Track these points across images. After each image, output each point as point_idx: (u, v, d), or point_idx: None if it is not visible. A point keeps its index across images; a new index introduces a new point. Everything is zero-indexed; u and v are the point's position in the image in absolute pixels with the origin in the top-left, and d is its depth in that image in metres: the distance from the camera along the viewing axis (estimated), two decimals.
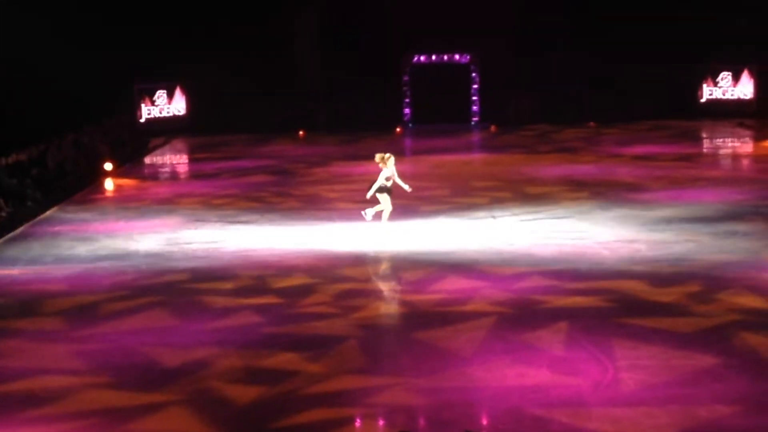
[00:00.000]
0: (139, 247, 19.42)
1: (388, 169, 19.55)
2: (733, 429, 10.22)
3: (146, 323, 14.45)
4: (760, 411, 10.56)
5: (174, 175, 31.95)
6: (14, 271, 17.96)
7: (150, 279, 16.91)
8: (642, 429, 10.23)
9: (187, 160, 34.87)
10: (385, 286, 16.69)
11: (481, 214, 21.42)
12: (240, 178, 27.94)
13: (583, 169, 27.68)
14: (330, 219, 21.43)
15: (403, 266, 17.16)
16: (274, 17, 39.74)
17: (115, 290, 16.20)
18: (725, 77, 38.89)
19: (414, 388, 11.46)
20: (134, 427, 10.75)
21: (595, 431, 10.21)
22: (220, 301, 15.36)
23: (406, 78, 40.46)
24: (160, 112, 39.61)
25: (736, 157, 31.64)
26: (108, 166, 29.15)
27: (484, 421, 10.80)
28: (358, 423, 10.79)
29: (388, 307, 15.11)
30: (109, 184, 28.12)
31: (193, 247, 19.28)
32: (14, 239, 20.63)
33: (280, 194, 24.97)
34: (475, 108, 40.46)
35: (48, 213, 23.37)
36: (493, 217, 18.83)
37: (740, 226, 19.33)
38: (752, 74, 38.42)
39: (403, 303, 15.06)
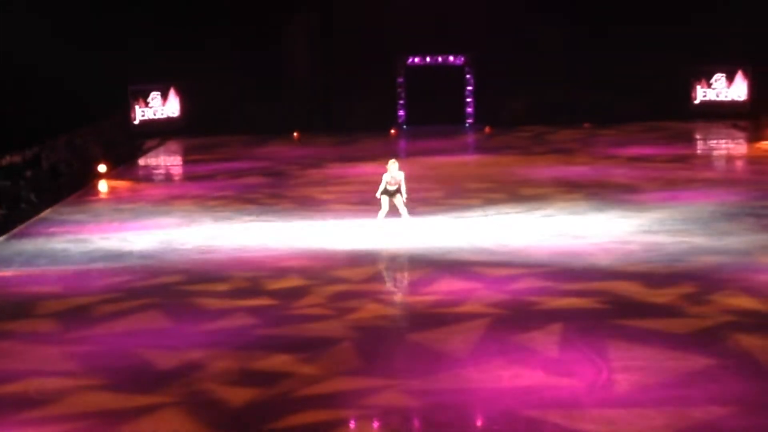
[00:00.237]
0: (133, 248, 19.40)
1: (388, 173, 19.63)
2: (728, 429, 10.23)
3: (140, 325, 14.43)
4: (755, 411, 10.57)
5: (168, 177, 31.91)
6: (8, 273, 17.94)
7: (144, 280, 16.89)
8: (636, 430, 10.24)
9: (181, 162, 34.82)
10: (389, 284, 16.74)
11: (475, 215, 21.43)
12: (234, 180, 27.91)
13: (578, 170, 27.68)
14: (324, 220, 21.41)
15: (398, 268, 17.15)
16: (268, 19, 39.70)
17: (109, 292, 16.18)
18: (719, 79, 38.91)
19: (408, 389, 11.46)
20: (128, 429, 10.74)
21: None
22: (215, 303, 15.34)
23: (400, 79, 40.45)
24: (154, 114, 39.54)
25: (730, 158, 31.66)
26: (102, 168, 29.09)
27: (479, 423, 10.81)
28: (352, 424, 10.79)
29: (384, 309, 15.07)
30: (103, 185, 28.07)
31: (188, 248, 19.26)
32: (8, 241, 20.60)
33: (274, 196, 24.95)
34: (469, 109, 40.43)
35: (42, 215, 23.33)
36: (486, 215, 18.83)
37: (734, 228, 19.34)
38: (746, 76, 38.43)
39: (398, 304, 15.04)
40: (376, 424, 10.77)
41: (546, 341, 12.96)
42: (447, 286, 15.86)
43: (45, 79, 31.58)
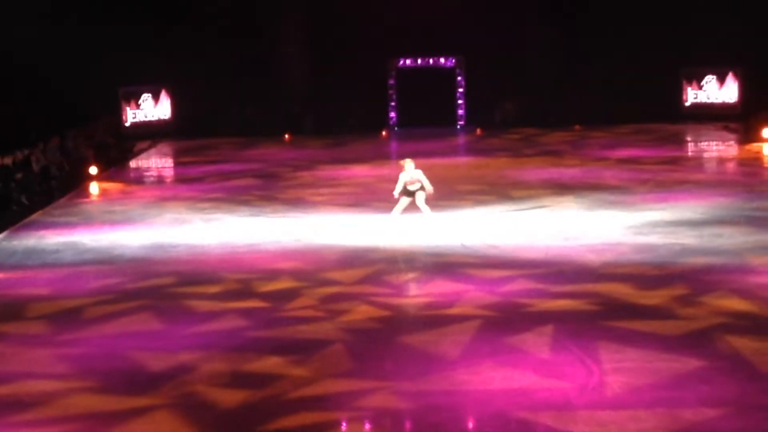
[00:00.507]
0: (124, 250, 19.38)
1: (405, 173, 19.93)
2: (719, 431, 10.24)
3: (131, 327, 14.41)
4: (746, 413, 10.58)
5: (159, 179, 31.87)
6: None
7: (135, 283, 16.86)
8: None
9: (172, 164, 34.80)
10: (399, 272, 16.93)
11: (466, 217, 21.44)
12: (225, 182, 27.90)
13: (569, 172, 27.71)
14: (316, 222, 21.41)
15: (387, 270, 17.14)
16: (259, 21, 39.71)
17: (100, 294, 16.16)
18: (710, 81, 38.97)
19: (400, 391, 11.45)
20: (119, 431, 10.74)
21: None
22: (206, 305, 15.33)
23: (391, 81, 40.47)
24: (146, 116, 39.51)
25: (721, 160, 31.71)
26: (93, 170, 29.05)
27: (470, 424, 10.81)
28: (344, 427, 10.79)
29: (376, 311, 15.05)
30: (94, 187, 28.03)
31: (179, 250, 19.25)
32: None
33: (265, 198, 24.94)
34: (460, 111, 40.49)
35: (33, 217, 23.30)
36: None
37: (725, 229, 19.36)
38: (737, 78, 38.49)
39: (389, 306, 15.03)
40: (367, 426, 10.77)
41: (537, 343, 12.97)
42: (438, 288, 15.87)
43: (35, 81, 31.52)
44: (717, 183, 25.57)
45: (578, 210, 21.96)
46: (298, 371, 12.23)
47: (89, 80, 34.50)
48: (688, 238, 18.75)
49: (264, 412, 11.05)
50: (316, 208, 23.25)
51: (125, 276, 17.33)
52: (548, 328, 13.52)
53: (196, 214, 22.95)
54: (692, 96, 39.28)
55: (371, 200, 23.59)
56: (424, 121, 39.06)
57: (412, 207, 20.16)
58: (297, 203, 23.93)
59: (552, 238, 19.17)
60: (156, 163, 34.78)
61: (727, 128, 36.14)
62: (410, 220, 20.33)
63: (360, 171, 28.92)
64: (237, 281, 16.68)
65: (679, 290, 15.24)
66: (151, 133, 38.39)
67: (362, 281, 16.57)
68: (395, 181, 20.42)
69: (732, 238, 18.69)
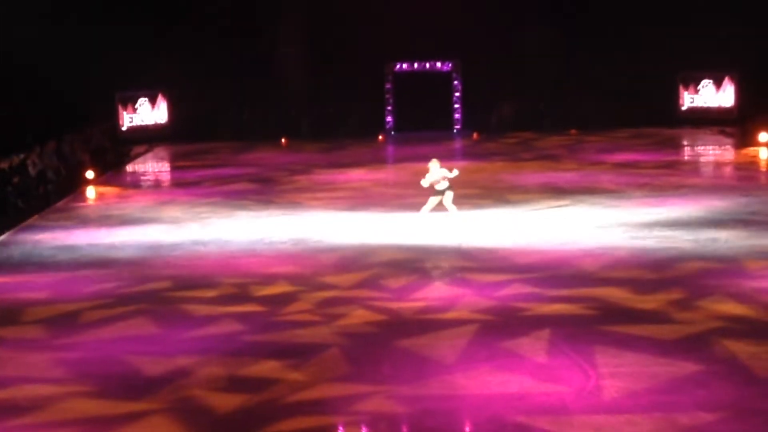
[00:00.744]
0: (120, 255, 19.37)
1: (431, 173, 20.59)
2: None
3: (128, 331, 14.40)
4: (743, 417, 10.58)
5: (156, 183, 31.86)
6: None
7: (132, 287, 16.86)
8: None
9: (169, 168, 34.79)
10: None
11: (464, 221, 21.45)
12: (222, 186, 27.89)
13: (565, 176, 27.72)
14: (312, 227, 21.41)
15: (386, 273, 17.14)
16: (256, 25, 39.70)
17: (97, 298, 16.15)
18: (706, 85, 38.99)
19: (396, 395, 11.45)
20: None
21: None
22: (203, 309, 15.32)
23: (388, 86, 40.48)
24: (142, 120, 39.49)
25: (717, 165, 31.73)
26: (89, 174, 29.05)
27: (467, 429, 10.81)
28: (340, 431, 10.79)
29: (372, 315, 15.05)
30: (90, 192, 28.03)
31: (175, 254, 19.24)
32: None
33: (262, 202, 24.93)
34: (457, 116, 40.50)
35: (29, 221, 23.29)
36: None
37: (722, 234, 19.37)
38: (733, 82, 38.51)
39: (386, 311, 15.02)
40: (364, 430, 10.77)
41: (534, 347, 12.97)
42: (434, 292, 15.88)
43: (35, 81, 31.51)
44: (713, 187, 25.57)
45: (574, 214, 21.96)
46: (295, 375, 12.23)
47: (89, 80, 34.50)
48: (684, 243, 18.76)
49: (261, 416, 11.05)
50: (312, 212, 23.24)
51: (122, 280, 17.32)
52: (545, 333, 13.53)
53: (193, 218, 22.94)
54: (689, 100, 39.29)
55: (368, 204, 23.61)
56: (421, 126, 39.07)
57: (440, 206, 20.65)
58: (294, 207, 23.93)
59: (547, 242, 19.18)
60: (153, 167, 34.78)
61: (723, 132, 36.16)
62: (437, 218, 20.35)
63: (356, 175, 28.91)
64: (234, 285, 16.68)
65: (675, 294, 15.26)
66: (147, 137, 38.37)
67: (359, 285, 16.56)
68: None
69: (728, 242, 18.70)
